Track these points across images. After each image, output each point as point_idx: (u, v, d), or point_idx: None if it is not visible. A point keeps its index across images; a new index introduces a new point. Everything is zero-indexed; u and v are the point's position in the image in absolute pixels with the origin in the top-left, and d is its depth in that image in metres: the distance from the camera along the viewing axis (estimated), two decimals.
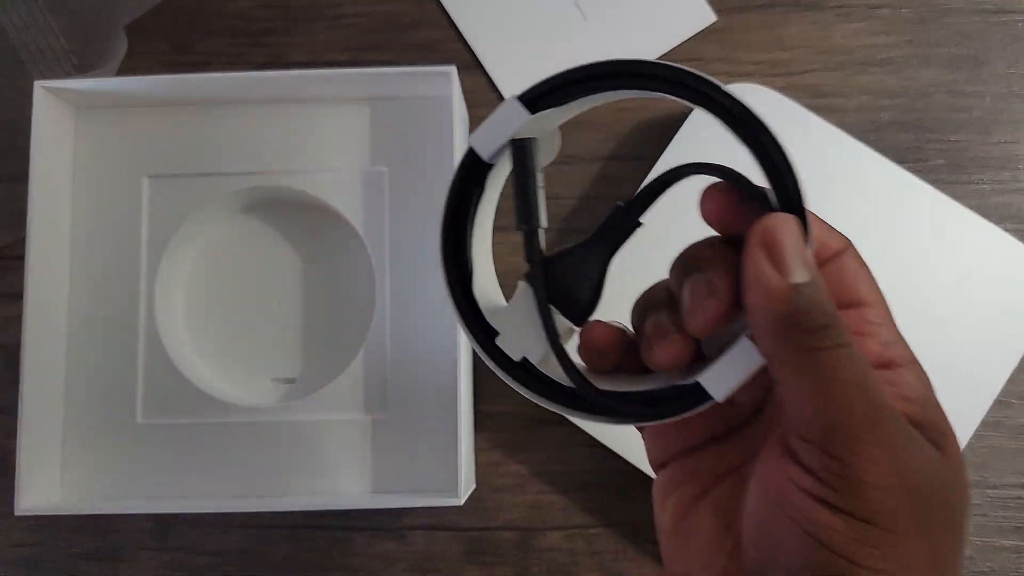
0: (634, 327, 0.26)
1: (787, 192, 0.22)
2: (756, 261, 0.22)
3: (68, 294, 0.46)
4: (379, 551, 0.47)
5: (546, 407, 0.25)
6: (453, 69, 0.44)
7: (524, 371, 0.25)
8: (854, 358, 0.21)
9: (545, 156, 0.26)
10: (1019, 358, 0.45)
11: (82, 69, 0.49)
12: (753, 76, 0.50)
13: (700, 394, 0.23)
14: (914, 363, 0.24)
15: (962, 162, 0.49)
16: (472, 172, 0.25)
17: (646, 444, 0.28)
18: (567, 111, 0.25)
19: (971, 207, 0.45)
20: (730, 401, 0.24)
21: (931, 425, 0.23)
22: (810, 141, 0.46)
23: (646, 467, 0.45)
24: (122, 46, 0.49)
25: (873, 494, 0.21)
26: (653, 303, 0.25)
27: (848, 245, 0.25)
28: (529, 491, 0.47)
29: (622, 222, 0.25)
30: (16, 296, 0.47)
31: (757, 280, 0.22)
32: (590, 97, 0.24)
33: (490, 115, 0.24)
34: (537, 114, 0.24)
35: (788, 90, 0.47)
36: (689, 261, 0.24)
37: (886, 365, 0.24)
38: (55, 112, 0.45)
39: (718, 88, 0.23)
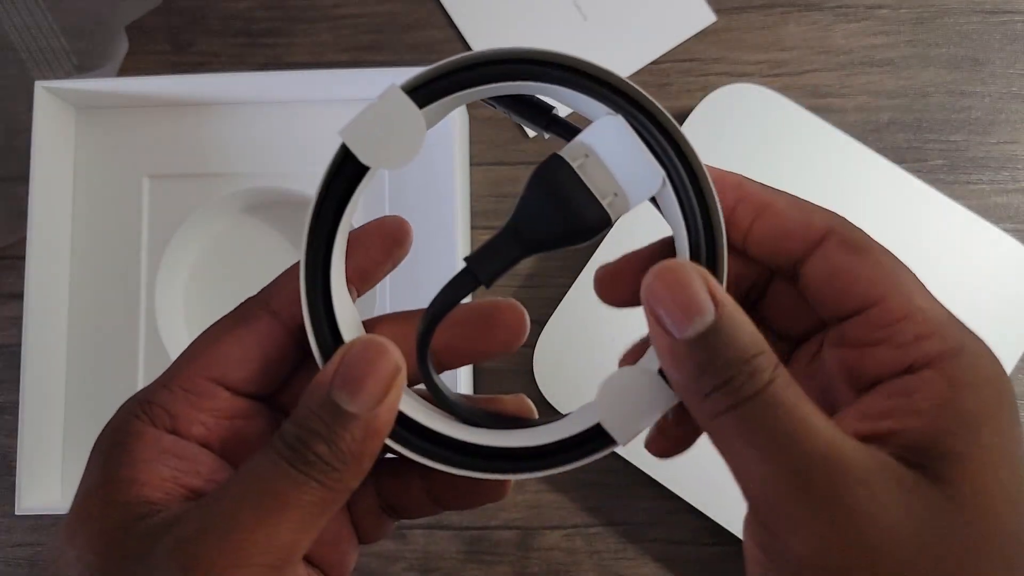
0: None
1: (690, 213, 0.21)
2: (650, 324, 0.19)
3: (68, 294, 0.46)
4: (378, 550, 0.47)
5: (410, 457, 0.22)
6: None
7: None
8: (770, 406, 0.18)
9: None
10: (1018, 358, 0.45)
11: (82, 69, 0.49)
12: (752, 76, 0.50)
13: (599, 440, 0.21)
14: (959, 353, 0.19)
15: (961, 162, 0.49)
16: (345, 179, 0.22)
17: None
18: (451, 104, 0.23)
19: (970, 207, 0.46)
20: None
21: (944, 443, 0.18)
22: (809, 141, 0.46)
23: (646, 468, 0.45)
24: (123, 46, 0.49)
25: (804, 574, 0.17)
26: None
27: (831, 226, 0.21)
28: (528, 490, 0.47)
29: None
30: (16, 296, 0.47)
31: (654, 343, 0.19)
32: (479, 89, 0.22)
33: (367, 109, 0.21)
34: (425, 109, 0.22)
35: (787, 90, 0.47)
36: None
37: (907, 369, 0.19)
38: (55, 112, 0.45)
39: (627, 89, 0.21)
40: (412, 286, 0.45)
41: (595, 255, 0.45)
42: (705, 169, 0.21)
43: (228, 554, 0.18)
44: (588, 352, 0.45)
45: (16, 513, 0.41)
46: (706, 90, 0.47)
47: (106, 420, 0.49)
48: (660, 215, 0.23)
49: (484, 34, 0.51)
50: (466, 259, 0.22)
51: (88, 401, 0.46)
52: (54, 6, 0.48)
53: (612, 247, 0.45)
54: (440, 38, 0.51)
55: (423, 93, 0.22)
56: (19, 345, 0.43)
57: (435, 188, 0.46)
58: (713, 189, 0.21)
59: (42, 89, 0.44)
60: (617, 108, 0.21)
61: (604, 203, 0.21)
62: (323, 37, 0.51)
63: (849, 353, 0.21)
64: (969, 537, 0.17)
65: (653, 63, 0.50)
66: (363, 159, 0.21)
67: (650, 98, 0.21)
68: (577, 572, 0.47)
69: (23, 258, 0.43)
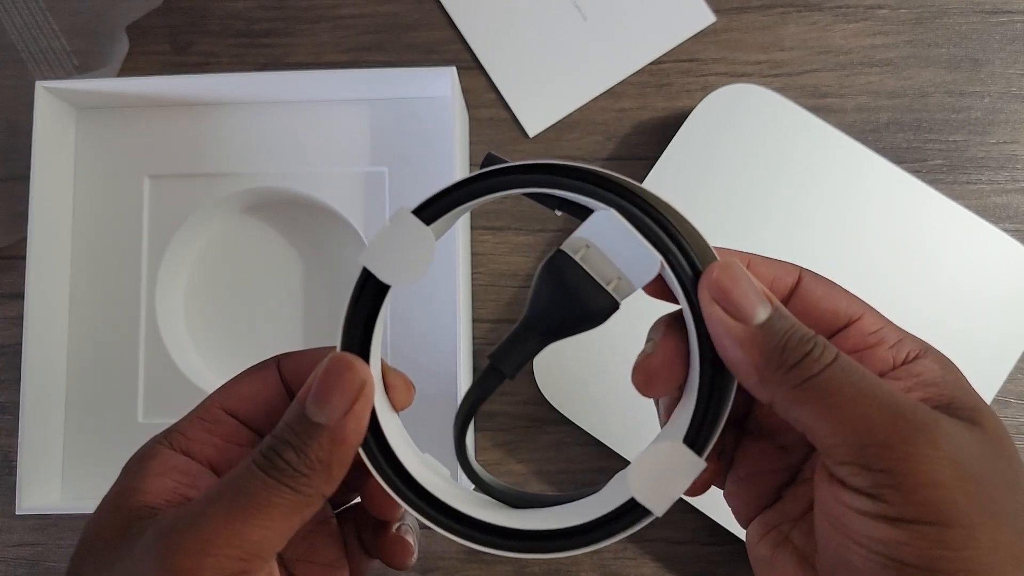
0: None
1: (693, 260, 0.23)
2: (714, 318, 0.22)
3: (69, 294, 0.46)
4: None
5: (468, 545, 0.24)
6: (453, 69, 0.44)
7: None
8: (848, 369, 0.21)
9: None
10: (1017, 358, 0.45)
11: (83, 69, 0.49)
12: (752, 76, 0.50)
13: (636, 512, 0.23)
14: (929, 349, 0.24)
15: (961, 162, 0.49)
16: (370, 295, 0.24)
17: (729, 505, 0.27)
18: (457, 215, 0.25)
19: (969, 207, 0.46)
20: (782, 446, 0.24)
21: (960, 403, 0.22)
22: (808, 142, 0.46)
23: None
24: (123, 47, 0.49)
25: (929, 494, 0.20)
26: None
27: (801, 272, 0.25)
28: (529, 491, 0.47)
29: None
30: (17, 296, 0.47)
31: (723, 337, 0.22)
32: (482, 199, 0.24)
33: (382, 232, 0.23)
34: (433, 224, 0.23)
35: (786, 91, 0.47)
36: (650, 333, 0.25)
37: (903, 362, 0.23)
38: (56, 112, 0.45)
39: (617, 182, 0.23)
40: (412, 285, 0.45)
41: None
42: (708, 248, 0.23)
43: (197, 544, 0.21)
44: (588, 352, 0.45)
45: (16, 513, 0.41)
46: (706, 90, 0.47)
47: (106, 420, 0.50)
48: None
49: (484, 34, 0.51)
50: (490, 356, 0.24)
51: (88, 401, 0.46)
52: (54, 6, 0.48)
53: None
54: (440, 38, 0.51)
55: (429, 213, 0.23)
56: (19, 345, 0.43)
57: (435, 189, 0.46)
58: (712, 264, 0.23)
59: (42, 89, 0.44)
60: (608, 203, 0.23)
61: (609, 288, 0.23)
62: (323, 37, 0.51)
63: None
64: (1000, 454, 0.21)
65: (653, 63, 0.50)
66: (384, 279, 0.23)
67: (639, 186, 0.23)
68: (577, 572, 0.47)
69: (24, 258, 0.43)
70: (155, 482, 0.23)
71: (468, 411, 0.25)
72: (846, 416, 0.20)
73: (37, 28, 0.48)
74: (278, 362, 0.26)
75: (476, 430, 0.48)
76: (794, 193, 0.46)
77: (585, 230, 0.23)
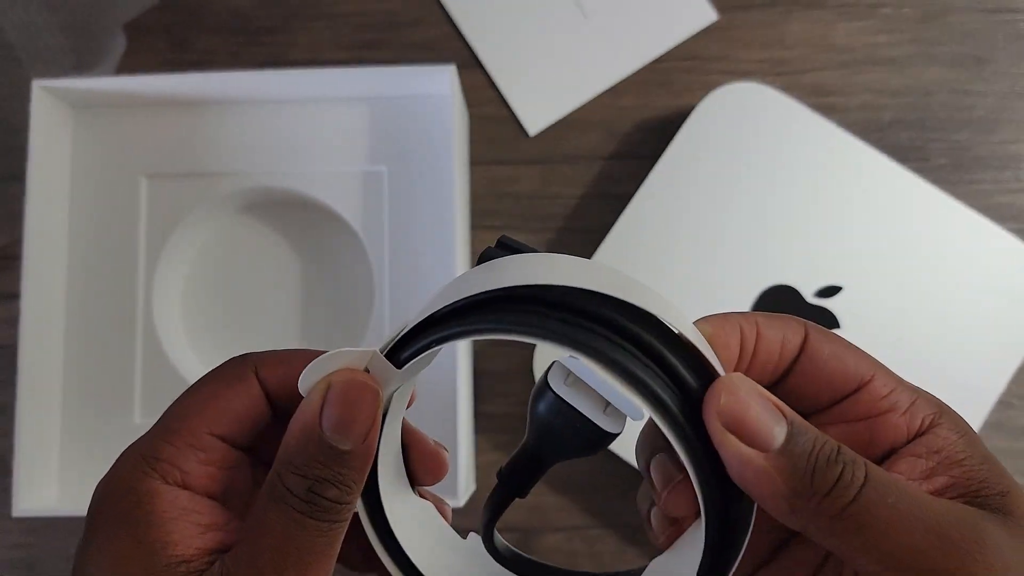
0: (640, 468, 0.24)
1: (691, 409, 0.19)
2: (730, 450, 0.19)
3: (65, 294, 0.46)
4: None
5: None
6: (453, 68, 0.43)
7: None
8: (882, 487, 0.19)
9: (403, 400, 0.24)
10: (1021, 358, 0.44)
11: (80, 68, 0.49)
12: (754, 75, 0.50)
13: None
14: (943, 412, 0.22)
15: (965, 162, 0.49)
16: None
17: None
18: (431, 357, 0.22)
19: (973, 207, 0.45)
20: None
21: (990, 487, 0.20)
22: (811, 141, 0.45)
23: None
24: (120, 44, 0.49)
25: None
26: (654, 442, 0.23)
27: (806, 329, 0.22)
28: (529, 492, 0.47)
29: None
30: (13, 296, 0.47)
31: (743, 469, 0.19)
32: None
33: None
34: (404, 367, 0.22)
35: (790, 89, 0.47)
36: (649, 437, 0.23)
37: (920, 431, 0.21)
38: (53, 111, 0.45)
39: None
40: (411, 286, 0.45)
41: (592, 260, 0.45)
42: (708, 362, 0.19)
43: None
44: None
45: (13, 515, 0.41)
46: (708, 89, 0.47)
47: (103, 421, 0.49)
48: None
49: (484, 32, 0.51)
50: (499, 475, 0.25)
51: (85, 402, 0.45)
52: (51, 4, 0.48)
53: (612, 248, 0.45)
54: (439, 36, 0.51)
55: (400, 358, 0.22)
56: (15, 345, 0.43)
57: (435, 188, 0.46)
58: (716, 388, 0.19)
59: (39, 88, 0.44)
60: (579, 348, 0.18)
61: (600, 424, 0.22)
62: (322, 35, 0.51)
63: (856, 427, 0.22)
64: None
65: (655, 61, 0.50)
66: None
67: (621, 300, 0.18)
68: None
69: (19, 258, 0.43)
70: (176, 529, 0.22)
71: (488, 523, 0.26)
72: (888, 546, 0.19)
73: (34, 26, 0.48)
74: (255, 369, 0.25)
75: (476, 431, 0.48)
76: (797, 192, 0.45)
77: (567, 359, 0.22)
